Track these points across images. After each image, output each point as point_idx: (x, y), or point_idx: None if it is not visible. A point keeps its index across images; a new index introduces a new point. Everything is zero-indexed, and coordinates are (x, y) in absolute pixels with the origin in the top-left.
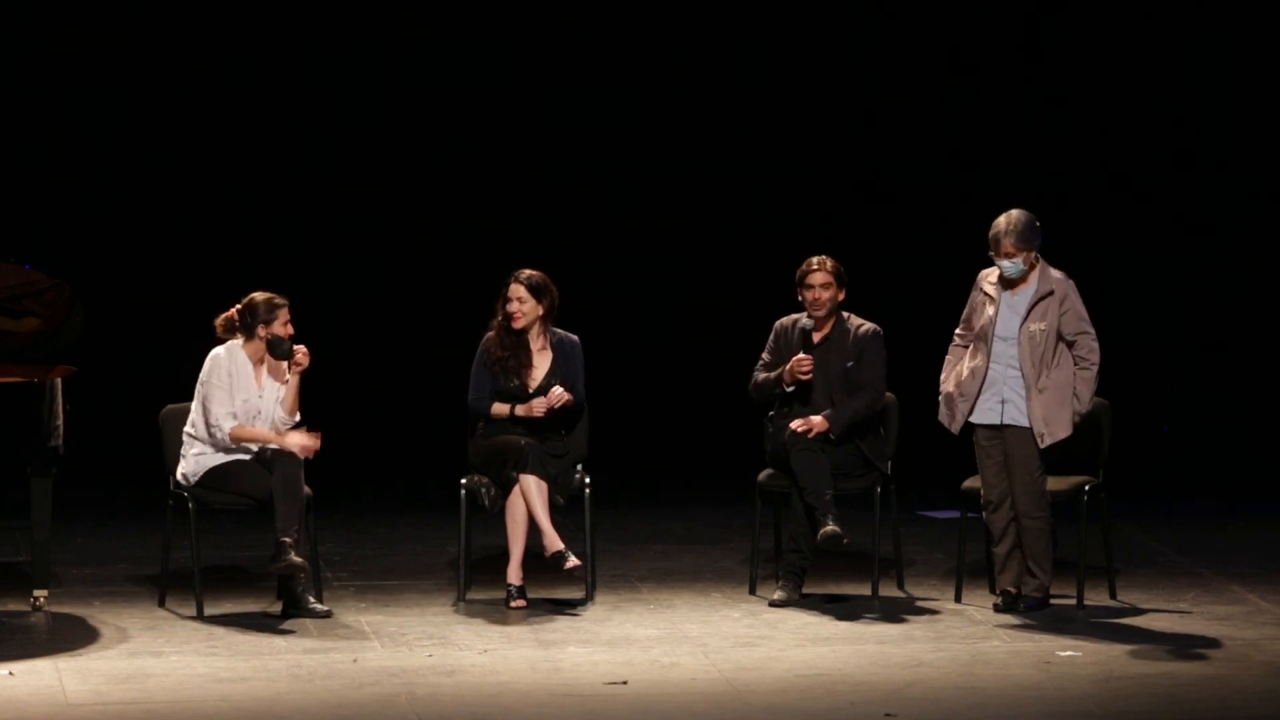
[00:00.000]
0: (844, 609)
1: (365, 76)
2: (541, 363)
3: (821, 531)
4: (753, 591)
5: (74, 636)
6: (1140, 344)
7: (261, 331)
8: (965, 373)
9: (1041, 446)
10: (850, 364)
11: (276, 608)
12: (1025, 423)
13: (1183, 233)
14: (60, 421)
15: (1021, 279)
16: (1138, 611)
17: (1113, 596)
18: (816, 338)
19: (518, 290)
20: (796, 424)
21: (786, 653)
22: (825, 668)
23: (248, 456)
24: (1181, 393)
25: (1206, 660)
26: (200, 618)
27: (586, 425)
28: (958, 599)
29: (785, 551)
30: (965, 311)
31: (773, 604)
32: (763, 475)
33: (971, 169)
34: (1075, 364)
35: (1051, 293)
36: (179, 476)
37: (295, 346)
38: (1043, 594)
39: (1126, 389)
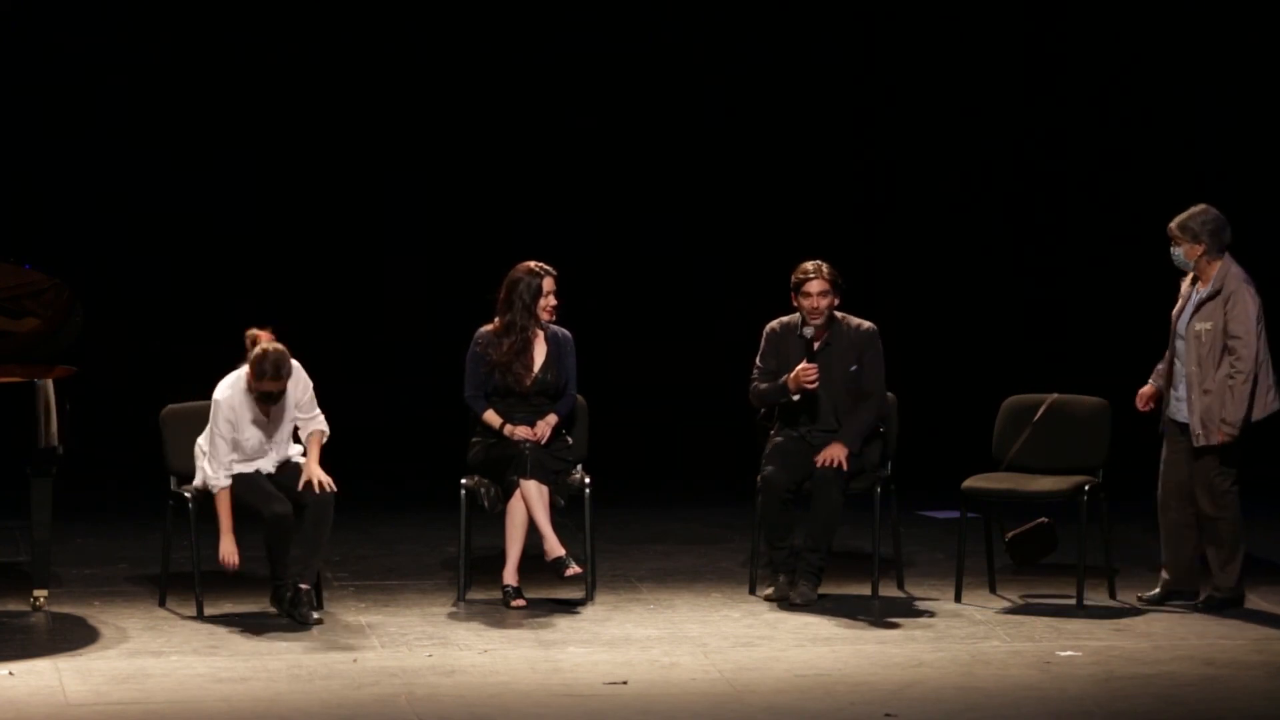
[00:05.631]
0: (844, 609)
1: (362, 69)
2: (537, 356)
3: (772, 589)
4: (753, 591)
5: (74, 636)
6: (1140, 343)
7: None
8: (1164, 366)
9: (1195, 446)
10: (854, 368)
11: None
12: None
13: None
14: (59, 421)
15: (1197, 273)
16: (1138, 611)
17: (1112, 596)
18: (816, 345)
19: (554, 285)
20: (820, 459)
21: (786, 653)
22: (825, 668)
23: (262, 475)
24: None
25: (1206, 660)
26: (200, 618)
27: (586, 425)
28: (958, 599)
29: (771, 551)
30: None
31: (767, 599)
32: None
33: (969, 168)
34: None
35: (1218, 293)
36: (189, 490)
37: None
38: (1222, 594)
39: (1127, 388)
